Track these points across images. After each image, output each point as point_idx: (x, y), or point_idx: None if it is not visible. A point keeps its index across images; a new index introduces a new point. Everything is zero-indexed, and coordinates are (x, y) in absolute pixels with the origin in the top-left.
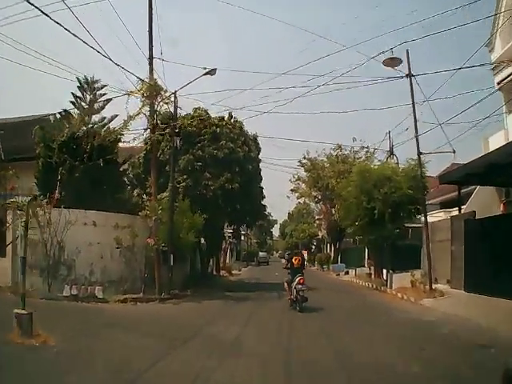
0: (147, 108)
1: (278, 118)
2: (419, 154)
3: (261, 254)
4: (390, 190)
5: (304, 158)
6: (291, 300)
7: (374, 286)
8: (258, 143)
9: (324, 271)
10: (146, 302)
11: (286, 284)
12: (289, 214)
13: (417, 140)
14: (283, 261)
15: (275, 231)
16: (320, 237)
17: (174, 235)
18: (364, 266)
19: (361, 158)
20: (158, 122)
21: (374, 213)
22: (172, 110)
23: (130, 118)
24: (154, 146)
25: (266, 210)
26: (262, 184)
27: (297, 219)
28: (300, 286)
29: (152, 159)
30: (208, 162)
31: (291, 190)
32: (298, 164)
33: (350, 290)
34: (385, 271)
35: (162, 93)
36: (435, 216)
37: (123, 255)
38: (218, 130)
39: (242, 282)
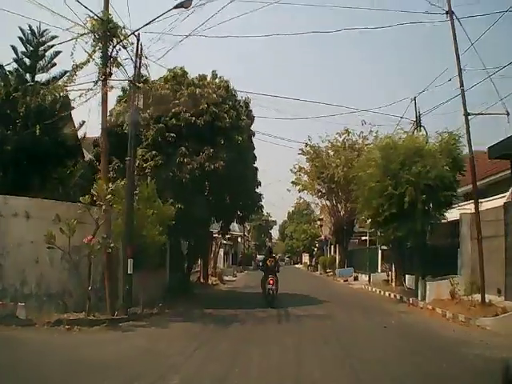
0: (100, 54)
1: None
2: (466, 114)
3: (259, 257)
4: (424, 169)
5: (306, 145)
6: (264, 296)
7: (399, 297)
8: (251, 110)
9: (329, 276)
10: (90, 326)
11: (261, 283)
12: (288, 213)
13: (463, 95)
14: (258, 258)
15: (274, 233)
16: (323, 238)
17: (135, 232)
18: (377, 271)
19: (370, 144)
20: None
21: (404, 201)
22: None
23: (77, 67)
24: (105, 101)
25: (261, 200)
26: (257, 168)
27: (297, 219)
28: (270, 286)
29: (102, 119)
30: (184, 132)
31: (292, 183)
32: (300, 152)
33: (370, 303)
34: (407, 277)
35: (119, 32)
36: (464, 209)
37: (66, 259)
38: (198, 91)
39: (234, 293)
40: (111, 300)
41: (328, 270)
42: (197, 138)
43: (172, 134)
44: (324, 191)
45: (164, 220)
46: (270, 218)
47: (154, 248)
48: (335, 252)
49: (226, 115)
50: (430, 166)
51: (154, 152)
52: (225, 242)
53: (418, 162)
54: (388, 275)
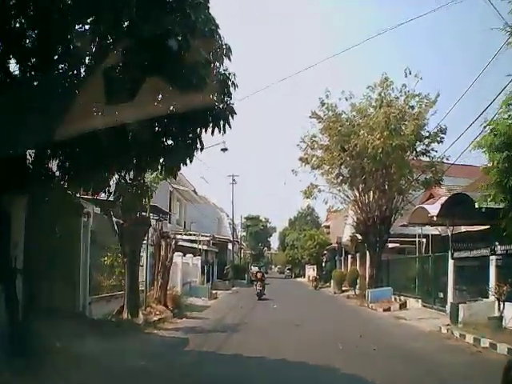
0: None
1: None
2: None
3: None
4: None
5: (322, 103)
6: (256, 293)
7: None
8: None
9: (350, 298)
10: None
11: (254, 286)
12: (290, 220)
13: None
14: (255, 270)
15: (274, 242)
16: (335, 245)
17: None
18: (444, 296)
19: (414, 107)
20: None
21: None
22: None
23: None
24: None
25: (230, 93)
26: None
27: (300, 226)
28: (258, 288)
29: None
30: None
31: (300, 160)
32: (312, 116)
33: None
34: None
35: None
36: None
37: None
38: None
39: (159, 370)
40: None
41: (345, 288)
42: None
43: None
44: (348, 175)
45: None
46: (268, 225)
47: None
48: (354, 264)
49: None
50: None
51: None
52: (205, 247)
53: None
54: (501, 308)
